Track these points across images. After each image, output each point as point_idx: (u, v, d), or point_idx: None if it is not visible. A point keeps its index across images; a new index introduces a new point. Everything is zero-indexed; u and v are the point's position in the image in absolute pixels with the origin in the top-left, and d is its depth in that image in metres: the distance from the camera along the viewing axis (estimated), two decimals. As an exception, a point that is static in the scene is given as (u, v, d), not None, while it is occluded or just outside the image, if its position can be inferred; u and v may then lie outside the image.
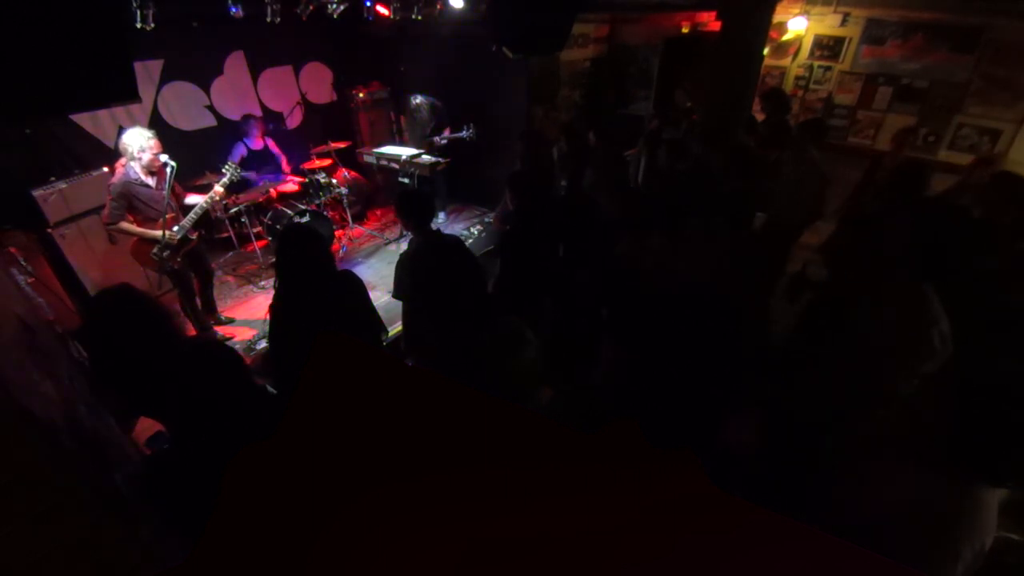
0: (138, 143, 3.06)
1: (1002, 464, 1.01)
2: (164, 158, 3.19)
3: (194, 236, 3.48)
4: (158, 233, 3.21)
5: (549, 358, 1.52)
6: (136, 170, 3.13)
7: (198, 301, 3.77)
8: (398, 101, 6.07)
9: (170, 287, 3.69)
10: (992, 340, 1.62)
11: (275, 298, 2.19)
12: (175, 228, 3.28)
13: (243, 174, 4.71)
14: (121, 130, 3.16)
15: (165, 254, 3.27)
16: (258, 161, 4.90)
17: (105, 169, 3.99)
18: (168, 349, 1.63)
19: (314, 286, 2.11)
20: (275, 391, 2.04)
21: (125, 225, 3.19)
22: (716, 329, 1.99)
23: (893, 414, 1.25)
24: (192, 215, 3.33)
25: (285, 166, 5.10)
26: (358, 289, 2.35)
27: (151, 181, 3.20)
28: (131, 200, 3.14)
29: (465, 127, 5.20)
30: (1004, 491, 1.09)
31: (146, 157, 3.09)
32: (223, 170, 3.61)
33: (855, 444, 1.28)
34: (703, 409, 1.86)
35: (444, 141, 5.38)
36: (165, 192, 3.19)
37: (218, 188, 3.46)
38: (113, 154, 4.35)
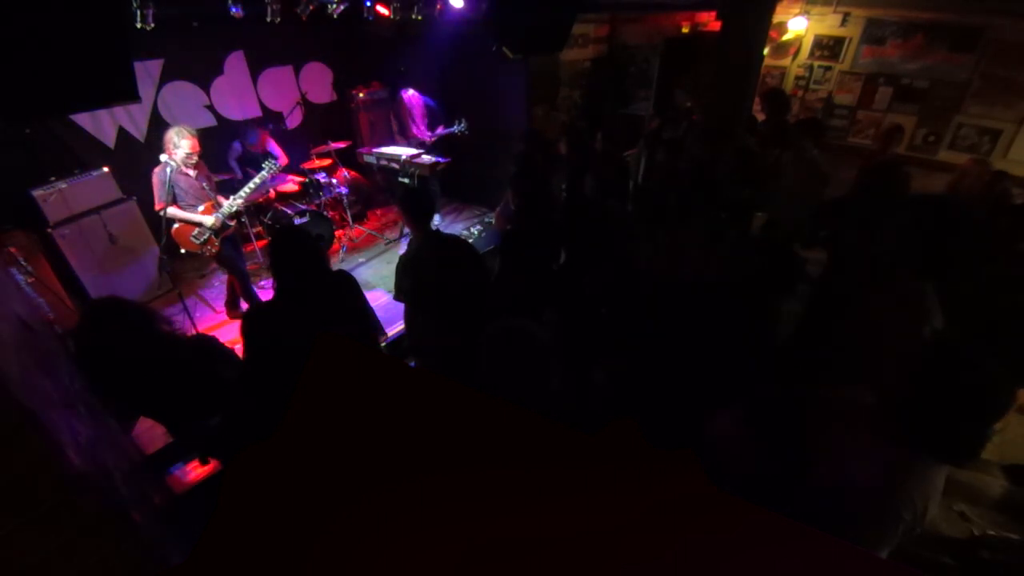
0: (175, 139, 3.31)
1: (949, 442, 1.15)
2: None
3: (232, 223, 3.71)
4: (206, 218, 3.45)
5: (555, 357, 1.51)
6: (177, 161, 3.34)
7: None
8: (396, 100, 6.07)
9: (169, 288, 3.73)
10: (960, 329, 1.69)
11: (251, 307, 2.11)
12: (215, 215, 3.51)
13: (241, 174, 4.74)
14: (166, 127, 3.45)
15: (204, 237, 3.51)
16: (255, 161, 4.87)
17: (105, 169, 3.99)
18: (162, 352, 1.63)
19: (306, 288, 2.05)
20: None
21: (173, 210, 3.37)
22: (719, 328, 1.98)
23: (865, 395, 1.35)
24: (229, 204, 3.55)
25: (283, 161, 5.11)
26: (352, 289, 2.31)
27: (191, 172, 3.41)
28: (173, 188, 3.36)
29: (457, 121, 5.20)
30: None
31: (182, 152, 3.29)
32: (262, 165, 3.82)
33: (828, 422, 1.38)
34: (703, 409, 1.86)
35: (434, 138, 5.37)
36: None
37: (256, 180, 3.73)
38: (113, 154, 4.40)
